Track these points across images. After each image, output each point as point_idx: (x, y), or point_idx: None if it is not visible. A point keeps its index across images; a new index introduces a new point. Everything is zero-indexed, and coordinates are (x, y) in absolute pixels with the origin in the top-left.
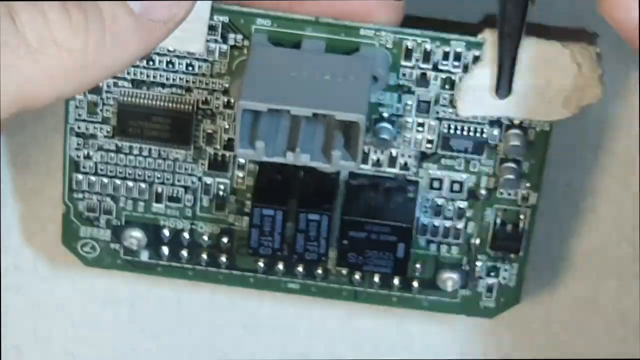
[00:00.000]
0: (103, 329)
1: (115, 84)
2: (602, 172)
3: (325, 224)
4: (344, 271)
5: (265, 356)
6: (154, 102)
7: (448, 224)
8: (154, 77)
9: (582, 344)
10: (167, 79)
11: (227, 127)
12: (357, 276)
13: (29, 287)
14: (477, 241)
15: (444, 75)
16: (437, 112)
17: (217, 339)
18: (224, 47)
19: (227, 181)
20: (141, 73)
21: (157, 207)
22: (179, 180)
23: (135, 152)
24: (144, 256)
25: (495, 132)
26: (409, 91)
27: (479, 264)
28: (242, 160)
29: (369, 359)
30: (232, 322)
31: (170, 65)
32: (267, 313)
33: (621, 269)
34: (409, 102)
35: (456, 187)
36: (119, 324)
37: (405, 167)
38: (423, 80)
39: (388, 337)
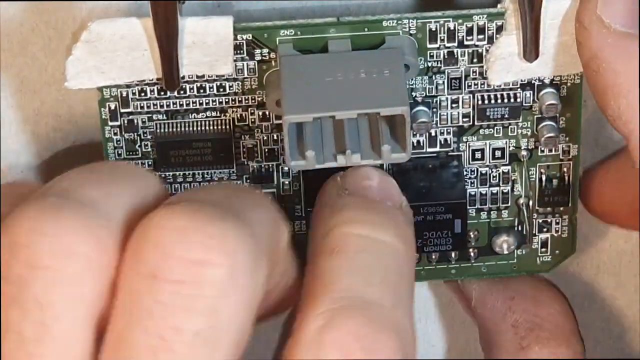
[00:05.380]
0: None
1: (149, 119)
2: None
3: None
4: None
5: (265, 355)
6: (191, 129)
7: (495, 190)
8: (187, 104)
9: None
10: (200, 104)
11: (265, 139)
12: None
13: None
14: (526, 201)
15: (470, 50)
16: (469, 86)
17: None
18: (252, 63)
19: (274, 190)
20: (173, 103)
21: None
22: None
23: (180, 179)
24: None
25: (528, 94)
26: (439, 71)
27: (530, 222)
28: (285, 168)
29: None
30: None
31: (202, 91)
32: None
33: (619, 266)
34: (440, 82)
35: (498, 153)
36: None
37: (445, 144)
38: (451, 59)
39: None
